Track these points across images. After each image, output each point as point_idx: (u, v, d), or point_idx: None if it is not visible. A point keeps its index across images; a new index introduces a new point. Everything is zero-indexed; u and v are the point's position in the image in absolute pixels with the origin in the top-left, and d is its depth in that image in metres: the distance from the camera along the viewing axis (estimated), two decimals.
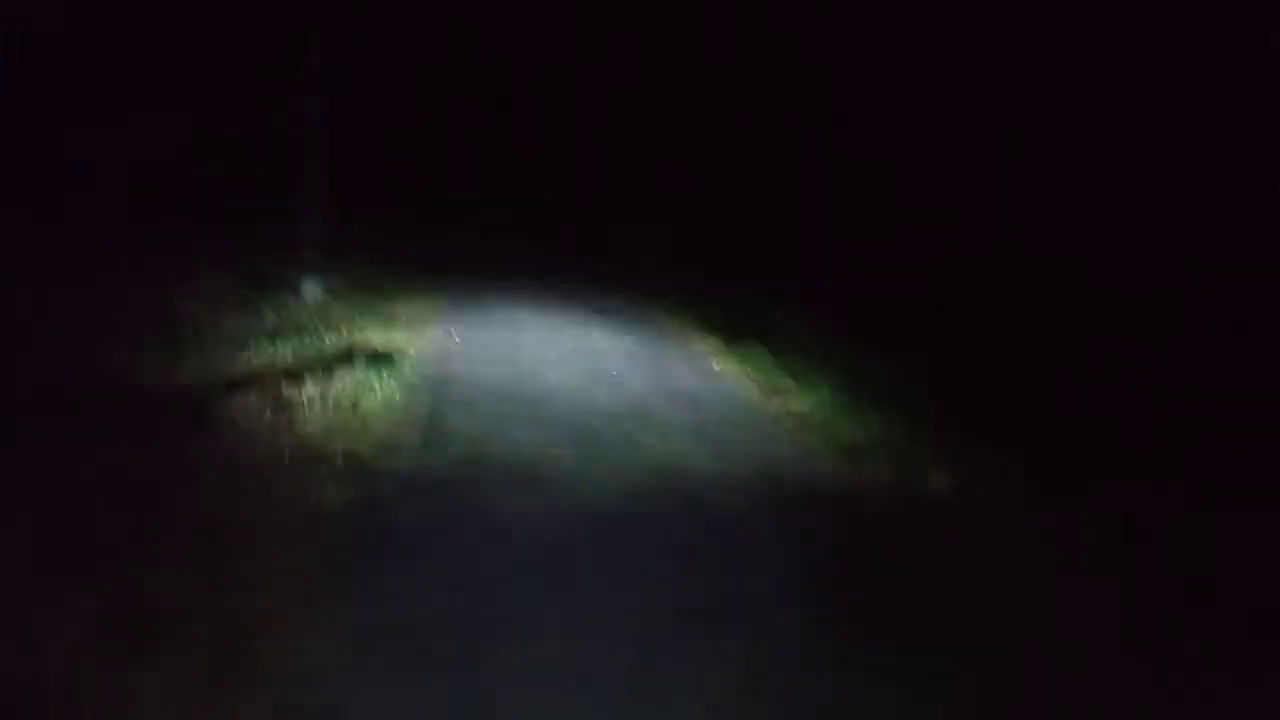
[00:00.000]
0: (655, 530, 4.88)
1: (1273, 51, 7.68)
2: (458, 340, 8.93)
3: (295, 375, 6.52)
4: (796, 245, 14.11)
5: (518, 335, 9.44)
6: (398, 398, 6.36)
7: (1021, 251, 11.20)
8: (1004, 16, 10.94)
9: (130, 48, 11.14)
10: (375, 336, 8.59)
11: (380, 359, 7.51)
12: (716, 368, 9.15)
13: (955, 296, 11.55)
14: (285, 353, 7.36)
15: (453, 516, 4.63)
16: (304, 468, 4.86)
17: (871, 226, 13.43)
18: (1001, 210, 11.70)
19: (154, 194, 11.54)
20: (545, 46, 18.27)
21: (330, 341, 8.15)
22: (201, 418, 5.37)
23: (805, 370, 9.09)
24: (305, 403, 5.92)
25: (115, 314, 7.60)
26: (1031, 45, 10.78)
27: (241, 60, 12.41)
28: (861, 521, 5.55)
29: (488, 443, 5.78)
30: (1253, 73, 7.80)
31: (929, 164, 12.76)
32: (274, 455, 4.96)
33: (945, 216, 12.53)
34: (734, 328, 10.81)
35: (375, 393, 6.29)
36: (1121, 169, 9.60)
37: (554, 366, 8.15)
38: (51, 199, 9.95)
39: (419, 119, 17.63)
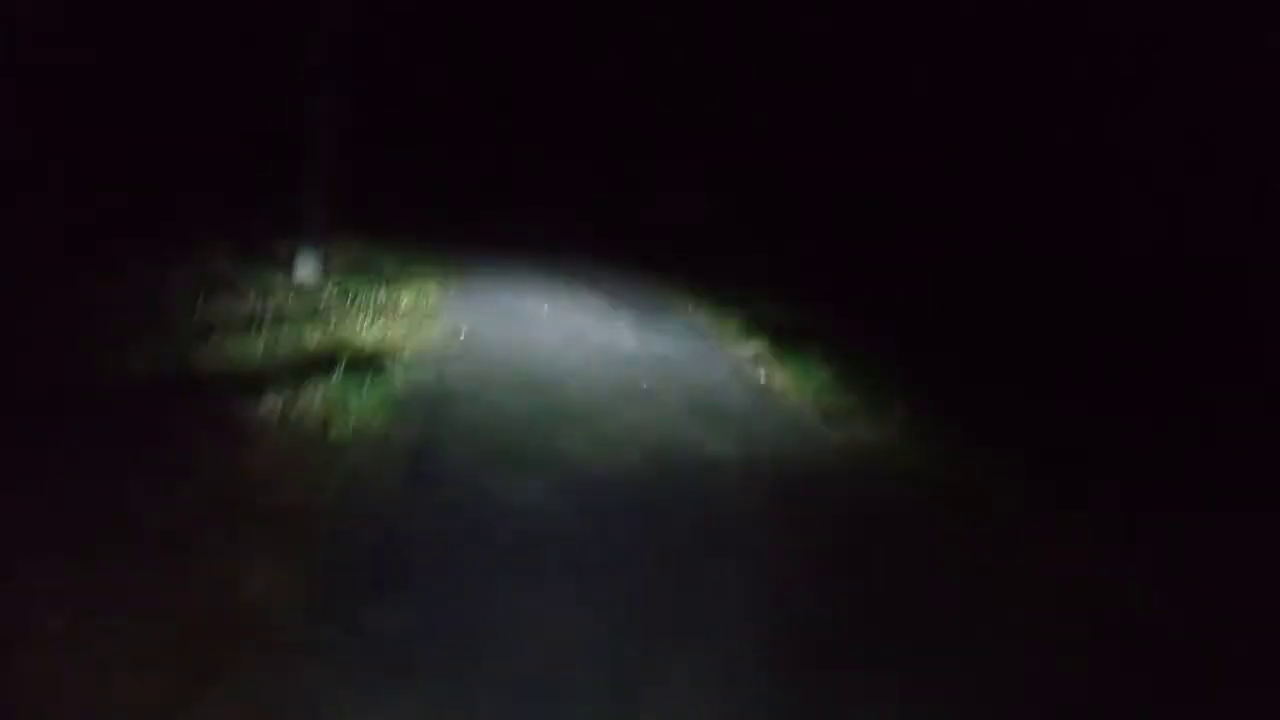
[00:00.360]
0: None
1: (1273, 51, 7.52)
2: (461, 337, 7.67)
3: (258, 382, 5.28)
4: (823, 244, 12.78)
5: (530, 332, 8.16)
6: (380, 419, 5.10)
7: (1030, 255, 10.39)
8: (1004, 16, 10.74)
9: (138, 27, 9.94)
10: (368, 330, 7.35)
11: (367, 363, 6.26)
12: (764, 379, 7.84)
13: (981, 302, 10.32)
14: (256, 349, 6.13)
15: (428, 636, 3.29)
16: (220, 537, 3.57)
17: (899, 224, 12.26)
18: (1006, 212, 11.09)
19: (157, 166, 10.38)
20: (571, 31, 17.57)
21: (315, 335, 6.91)
22: (113, 439, 4.13)
23: (866, 386, 7.75)
24: (259, 424, 4.68)
25: (78, 292, 6.40)
26: (1031, 45, 10.54)
27: (253, 40, 11.21)
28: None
29: (486, 494, 4.48)
30: (1253, 73, 7.61)
31: (936, 164, 12.27)
32: (185, 513, 3.69)
33: (948, 216, 11.77)
34: (779, 329, 9.48)
35: (351, 414, 5.02)
36: (1121, 169, 9.29)
37: (573, 376, 6.87)
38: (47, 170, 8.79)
39: (434, 104, 16.58)
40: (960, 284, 11.11)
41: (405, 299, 8.66)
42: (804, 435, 6.29)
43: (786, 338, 9.10)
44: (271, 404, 4.95)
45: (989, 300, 10.63)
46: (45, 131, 8.84)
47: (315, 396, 5.21)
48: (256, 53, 10.84)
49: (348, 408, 5.10)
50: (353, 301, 8.13)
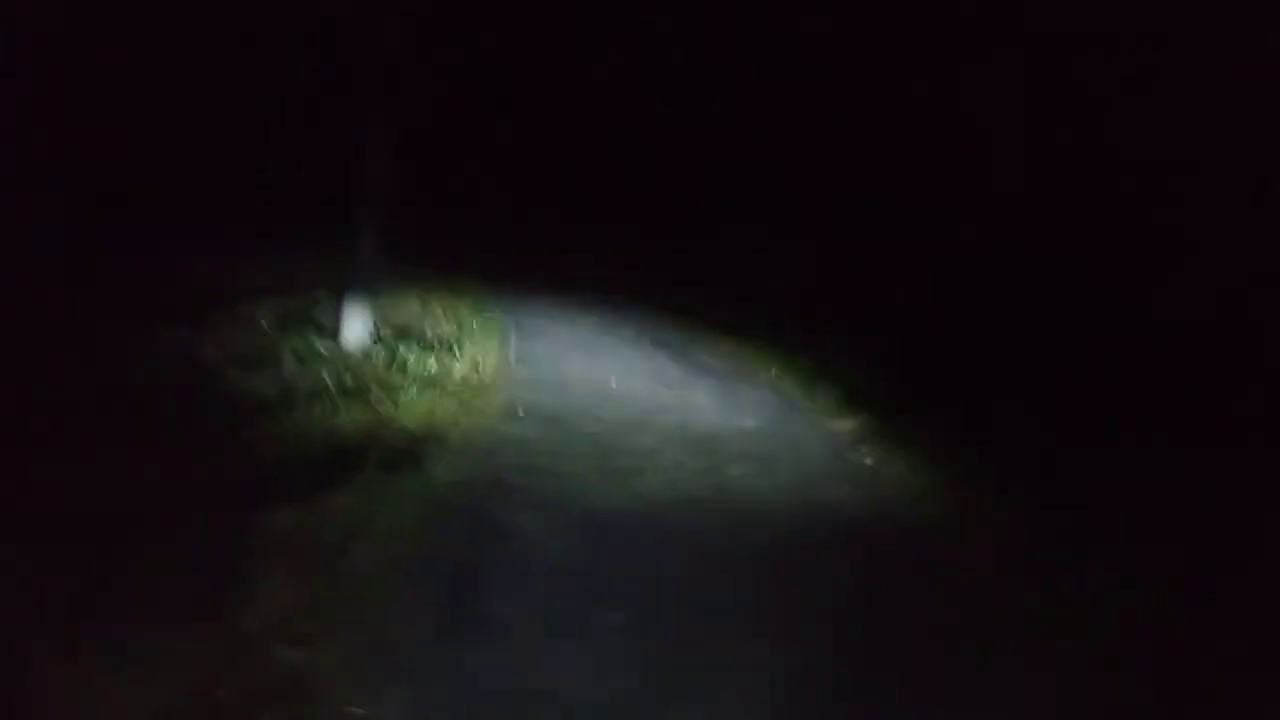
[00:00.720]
0: None
1: (1273, 51, 7.40)
2: (520, 413, 6.71)
3: (276, 485, 4.36)
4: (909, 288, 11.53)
5: (598, 407, 7.14)
6: (411, 536, 4.10)
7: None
8: (1004, 16, 10.66)
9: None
10: (415, 404, 6.43)
11: (409, 452, 5.32)
12: (879, 471, 6.66)
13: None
14: (285, 434, 5.24)
15: None
16: None
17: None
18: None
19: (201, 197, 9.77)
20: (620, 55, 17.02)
21: (354, 414, 6.01)
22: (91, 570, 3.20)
23: (1014, 478, 6.46)
24: (263, 547, 3.72)
25: (91, 354, 5.64)
26: (1031, 45, 10.44)
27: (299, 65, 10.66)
28: None
29: (540, 674, 3.36)
30: (1253, 73, 7.51)
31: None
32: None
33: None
34: (873, 393, 8.25)
35: (372, 538, 4.03)
36: (1121, 169, 9.05)
37: (650, 467, 5.81)
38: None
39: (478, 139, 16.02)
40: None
41: (459, 366, 7.76)
42: (946, 566, 5.08)
43: (889, 408, 7.90)
44: (285, 519, 4.00)
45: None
46: (92, 168, 8.26)
47: (339, 504, 4.26)
48: (301, 84, 10.18)
49: (373, 522, 4.13)
50: (402, 370, 7.25)
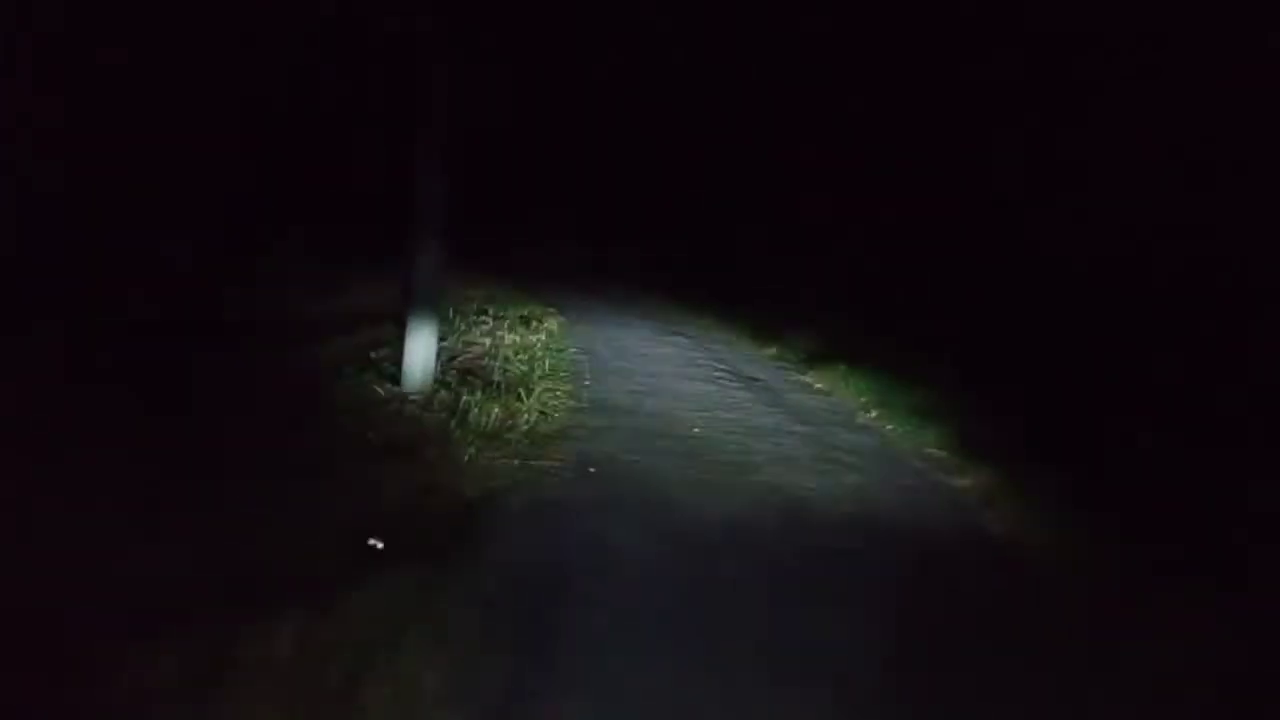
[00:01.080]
0: None
1: (1273, 51, 7.47)
2: (591, 470, 5.92)
3: (291, 583, 3.65)
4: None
5: (682, 469, 6.28)
6: (434, 686, 3.27)
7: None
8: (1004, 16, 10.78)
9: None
10: (469, 468, 5.68)
11: (460, 530, 4.57)
12: (998, 532, 5.65)
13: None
14: (293, 519, 4.50)
15: None
16: None
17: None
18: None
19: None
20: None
21: (402, 479, 5.30)
22: None
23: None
24: (253, 676, 2.99)
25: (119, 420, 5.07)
26: (1031, 44, 10.50)
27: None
28: None
29: None
30: (1253, 73, 7.57)
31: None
32: None
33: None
34: (1001, 447, 7.20)
35: (392, 666, 3.22)
36: (1120, 169, 8.96)
37: (751, 561, 4.94)
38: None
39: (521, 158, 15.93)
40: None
41: (526, 413, 7.03)
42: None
43: (1011, 458, 6.84)
44: (288, 636, 3.26)
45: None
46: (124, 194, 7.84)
47: (355, 613, 3.50)
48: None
49: (399, 641, 3.35)
50: (461, 422, 6.55)
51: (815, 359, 10.78)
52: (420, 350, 7.52)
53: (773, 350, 11.73)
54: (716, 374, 9.84)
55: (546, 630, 3.67)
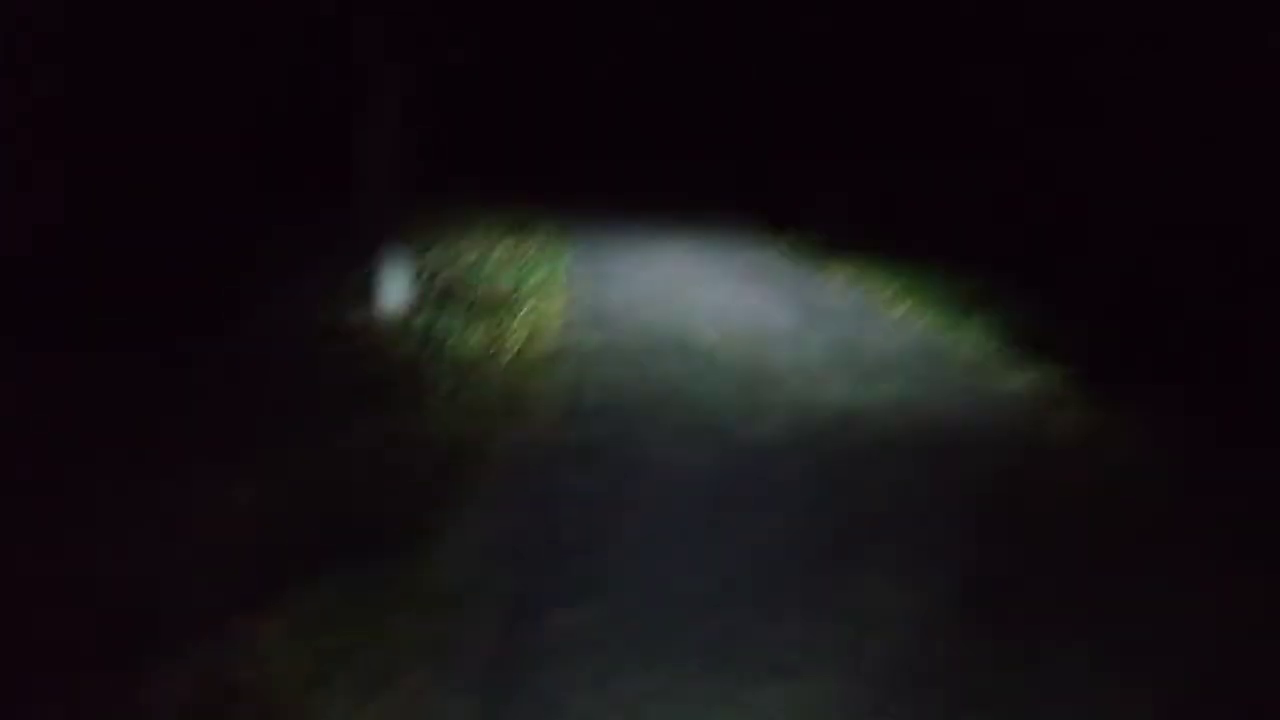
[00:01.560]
0: None
1: (1273, 51, 7.24)
2: (587, 404, 5.09)
3: (176, 610, 2.90)
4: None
5: (686, 378, 5.44)
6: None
7: None
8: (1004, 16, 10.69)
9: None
10: (442, 411, 4.85)
11: (438, 498, 3.78)
12: (1056, 430, 4.80)
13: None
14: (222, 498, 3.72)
15: None
16: None
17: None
18: None
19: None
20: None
21: (371, 431, 4.49)
22: None
23: None
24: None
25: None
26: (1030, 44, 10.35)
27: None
28: None
29: None
30: (1253, 73, 7.35)
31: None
32: None
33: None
34: (1060, 342, 6.28)
35: (341, 691, 2.45)
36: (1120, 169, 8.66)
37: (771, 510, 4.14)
38: None
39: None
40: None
41: (514, 333, 6.19)
42: None
43: (1075, 356, 5.94)
44: (193, 656, 2.51)
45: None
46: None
47: (294, 616, 2.75)
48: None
49: (348, 660, 2.59)
50: (439, 351, 5.72)
51: (836, 249, 9.83)
52: (399, 268, 6.70)
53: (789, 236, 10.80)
54: (725, 270, 8.93)
55: (515, 635, 2.88)
